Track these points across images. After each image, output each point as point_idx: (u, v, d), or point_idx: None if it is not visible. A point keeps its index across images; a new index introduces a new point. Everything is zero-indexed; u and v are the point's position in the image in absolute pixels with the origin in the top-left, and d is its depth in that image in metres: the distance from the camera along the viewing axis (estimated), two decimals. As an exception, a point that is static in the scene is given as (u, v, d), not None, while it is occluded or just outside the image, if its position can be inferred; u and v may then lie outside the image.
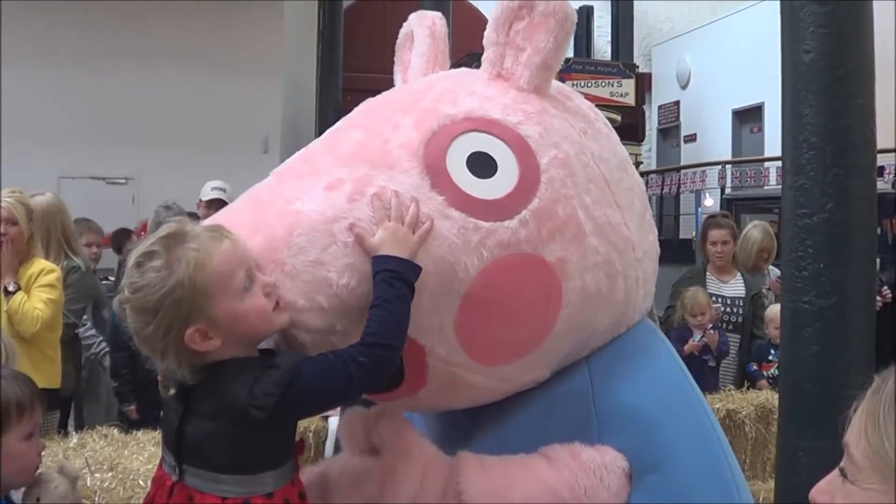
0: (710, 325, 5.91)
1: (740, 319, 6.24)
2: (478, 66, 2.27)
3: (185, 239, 1.79)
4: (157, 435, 4.00)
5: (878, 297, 4.33)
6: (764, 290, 6.50)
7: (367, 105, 2.23)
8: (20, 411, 2.15)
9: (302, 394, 1.76)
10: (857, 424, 1.33)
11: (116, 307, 1.86)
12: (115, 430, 4.13)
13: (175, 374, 1.84)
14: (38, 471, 2.28)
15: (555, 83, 2.21)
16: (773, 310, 6.03)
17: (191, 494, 1.83)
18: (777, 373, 5.69)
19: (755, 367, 6.09)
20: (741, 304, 6.26)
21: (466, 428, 2.16)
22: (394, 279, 1.79)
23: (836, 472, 1.37)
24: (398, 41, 2.52)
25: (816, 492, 1.40)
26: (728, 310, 6.21)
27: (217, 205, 6.40)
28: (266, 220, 1.87)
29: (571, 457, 1.98)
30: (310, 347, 1.84)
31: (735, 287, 6.33)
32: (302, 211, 1.87)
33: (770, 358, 6.01)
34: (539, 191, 1.98)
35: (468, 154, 1.97)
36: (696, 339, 5.84)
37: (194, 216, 6.34)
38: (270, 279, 1.80)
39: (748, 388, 5.63)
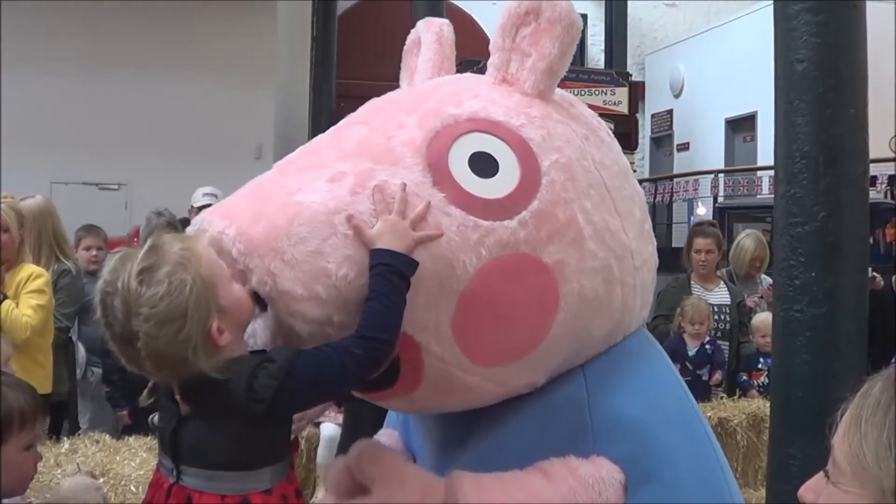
0: (707, 340, 5.94)
1: (727, 326, 6.28)
2: (474, 73, 2.28)
3: (167, 245, 1.80)
4: (148, 441, 4.00)
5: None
6: (756, 299, 6.53)
7: (372, 104, 2.24)
8: (22, 421, 2.15)
9: (299, 385, 1.77)
10: (843, 426, 1.34)
11: (111, 343, 1.83)
12: (107, 436, 4.13)
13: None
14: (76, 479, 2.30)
15: (559, 91, 2.22)
16: (761, 318, 6.07)
17: (189, 495, 1.84)
18: (767, 381, 5.73)
19: (745, 378, 6.13)
20: (727, 311, 6.30)
21: (463, 432, 2.16)
22: (389, 273, 1.79)
23: (822, 472, 1.38)
24: (406, 47, 2.53)
25: (804, 490, 1.42)
26: (716, 317, 6.23)
27: (208, 210, 6.39)
28: (267, 211, 1.88)
29: (568, 472, 1.97)
30: (307, 339, 1.84)
31: (720, 295, 6.37)
32: (303, 202, 1.87)
33: (759, 366, 6.04)
34: (539, 193, 1.99)
35: (470, 154, 1.99)
36: (691, 353, 5.87)
37: (186, 223, 6.34)
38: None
39: (740, 397, 5.65)
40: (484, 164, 1.98)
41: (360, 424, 3.75)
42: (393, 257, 1.80)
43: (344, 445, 3.83)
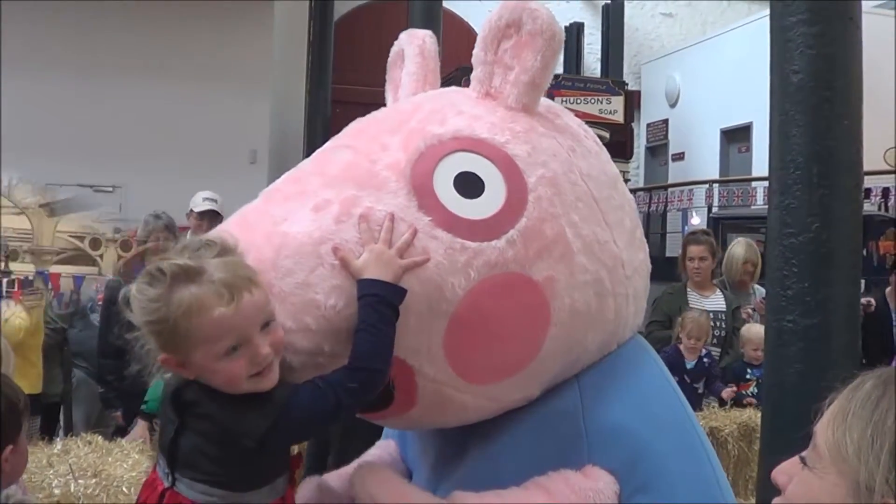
0: (704, 353, 5.95)
1: (723, 333, 6.30)
2: (468, 81, 2.28)
3: (195, 280, 1.74)
4: (140, 443, 4.00)
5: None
6: (749, 310, 6.54)
7: (356, 125, 2.23)
8: (24, 410, 2.22)
9: (292, 423, 1.78)
10: (829, 415, 1.38)
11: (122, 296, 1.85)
12: (100, 437, 4.13)
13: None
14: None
15: (544, 101, 2.20)
16: (751, 330, 6.08)
17: (181, 503, 1.83)
18: (756, 390, 5.76)
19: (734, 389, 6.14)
20: (723, 317, 6.32)
21: (460, 445, 2.15)
22: (377, 303, 1.79)
23: (797, 457, 1.41)
24: (389, 60, 2.51)
25: (777, 472, 1.46)
26: (712, 324, 6.24)
27: (210, 215, 6.41)
28: (254, 242, 1.86)
29: (567, 486, 1.96)
30: (298, 369, 1.83)
31: (716, 302, 6.39)
32: (289, 232, 1.86)
33: (747, 377, 6.06)
34: (526, 210, 1.97)
35: (455, 174, 1.97)
36: (689, 366, 5.89)
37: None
38: (266, 350, 1.75)
39: (731, 407, 5.67)
40: (469, 184, 1.96)
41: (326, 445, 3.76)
42: (380, 287, 1.80)
43: (313, 463, 3.84)
